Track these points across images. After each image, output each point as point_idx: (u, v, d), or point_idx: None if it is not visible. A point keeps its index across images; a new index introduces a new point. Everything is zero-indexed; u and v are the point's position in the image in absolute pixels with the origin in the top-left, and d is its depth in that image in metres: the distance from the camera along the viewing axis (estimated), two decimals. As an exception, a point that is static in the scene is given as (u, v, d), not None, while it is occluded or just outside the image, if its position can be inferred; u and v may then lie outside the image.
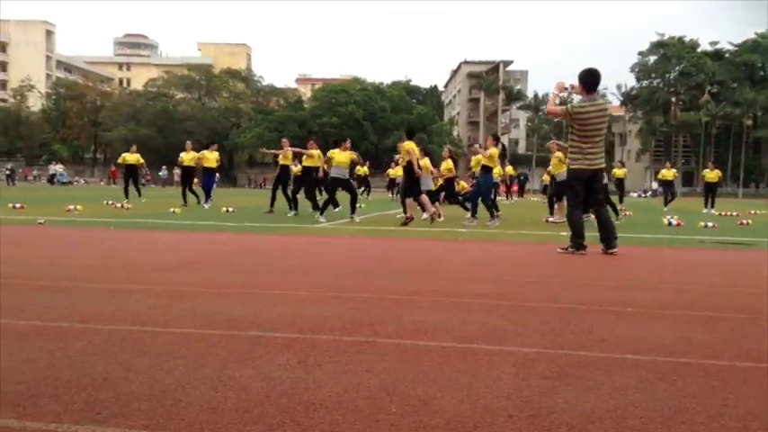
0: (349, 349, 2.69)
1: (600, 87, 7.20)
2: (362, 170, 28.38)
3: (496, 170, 12.06)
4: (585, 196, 7.06)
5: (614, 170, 22.63)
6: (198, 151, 16.70)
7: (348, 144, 12.09)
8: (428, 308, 3.67)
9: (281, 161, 14.21)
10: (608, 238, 6.88)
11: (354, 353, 2.63)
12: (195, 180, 18.36)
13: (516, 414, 1.97)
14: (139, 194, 17.76)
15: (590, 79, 6.81)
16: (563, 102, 7.14)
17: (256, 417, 1.88)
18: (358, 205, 15.88)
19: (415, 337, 2.93)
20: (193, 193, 16.48)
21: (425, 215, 11.61)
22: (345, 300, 3.83)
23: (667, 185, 21.66)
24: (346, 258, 6.31)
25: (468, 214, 11.90)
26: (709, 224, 11.72)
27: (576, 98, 7.08)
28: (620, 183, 21.96)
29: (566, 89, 7.07)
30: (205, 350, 2.61)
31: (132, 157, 17.28)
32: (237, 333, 2.91)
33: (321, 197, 13.72)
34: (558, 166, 12.29)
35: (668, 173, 21.54)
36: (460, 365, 2.49)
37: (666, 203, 21.46)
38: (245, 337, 2.84)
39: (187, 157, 16.41)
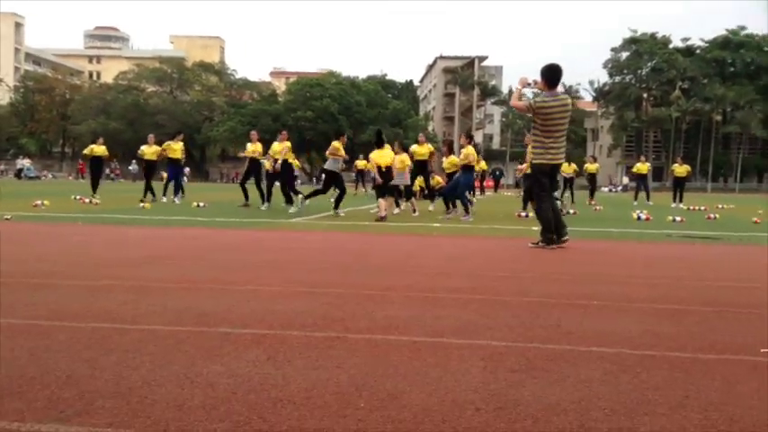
0: (319, 345, 2.68)
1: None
2: None
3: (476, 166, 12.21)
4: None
5: (586, 165, 22.91)
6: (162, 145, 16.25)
7: (344, 139, 12.15)
8: (401, 303, 3.68)
9: (250, 155, 14.17)
10: (557, 228, 6.99)
11: (325, 348, 2.63)
12: (164, 176, 18.00)
13: (483, 407, 1.99)
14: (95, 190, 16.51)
15: (552, 74, 6.89)
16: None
17: (223, 414, 1.87)
18: (332, 199, 15.83)
19: (386, 332, 2.94)
20: (151, 189, 15.79)
21: (379, 212, 11.73)
22: (318, 295, 3.82)
23: (641, 179, 21.97)
24: (320, 254, 6.30)
25: (427, 204, 11.99)
26: (678, 218, 11.91)
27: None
28: (592, 177, 22.26)
29: (528, 84, 7.14)
30: (173, 347, 2.59)
31: (100, 149, 16.61)
32: (207, 329, 2.90)
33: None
34: None
35: (643, 167, 21.86)
36: (430, 360, 2.51)
37: (637, 197, 21.75)
38: (214, 334, 2.82)
39: (149, 151, 15.78)
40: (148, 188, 15.70)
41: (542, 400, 2.06)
